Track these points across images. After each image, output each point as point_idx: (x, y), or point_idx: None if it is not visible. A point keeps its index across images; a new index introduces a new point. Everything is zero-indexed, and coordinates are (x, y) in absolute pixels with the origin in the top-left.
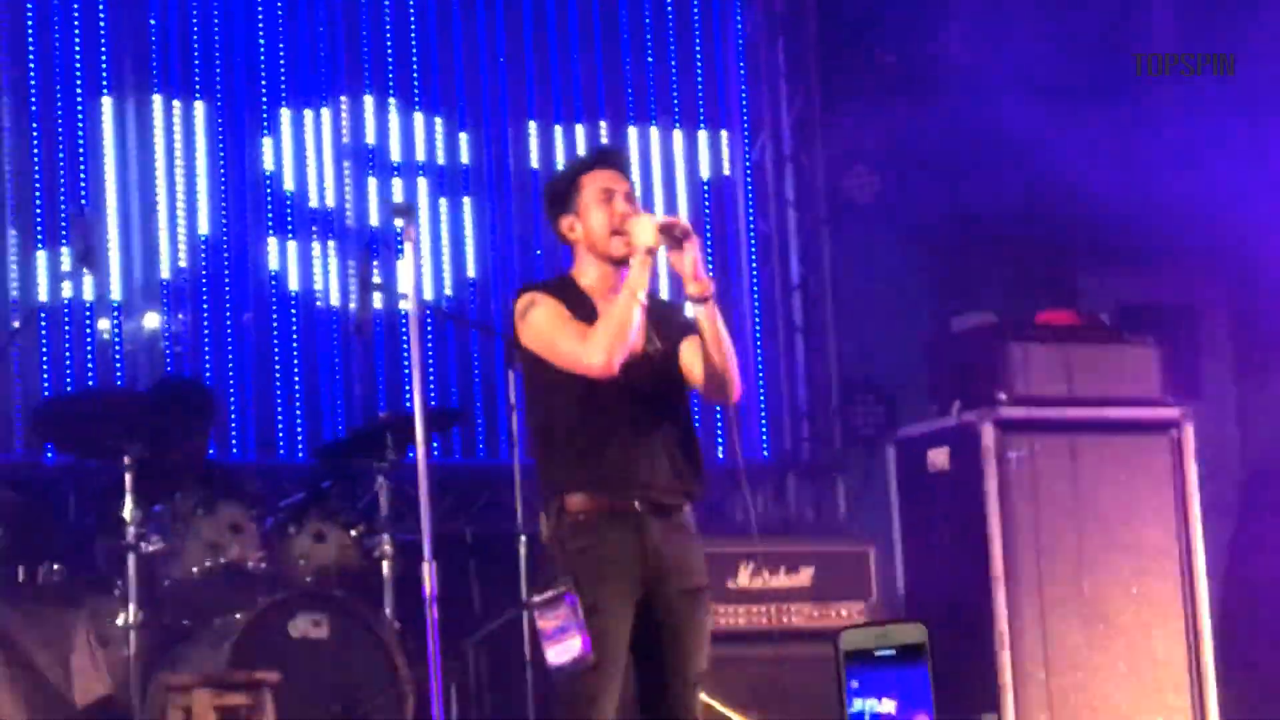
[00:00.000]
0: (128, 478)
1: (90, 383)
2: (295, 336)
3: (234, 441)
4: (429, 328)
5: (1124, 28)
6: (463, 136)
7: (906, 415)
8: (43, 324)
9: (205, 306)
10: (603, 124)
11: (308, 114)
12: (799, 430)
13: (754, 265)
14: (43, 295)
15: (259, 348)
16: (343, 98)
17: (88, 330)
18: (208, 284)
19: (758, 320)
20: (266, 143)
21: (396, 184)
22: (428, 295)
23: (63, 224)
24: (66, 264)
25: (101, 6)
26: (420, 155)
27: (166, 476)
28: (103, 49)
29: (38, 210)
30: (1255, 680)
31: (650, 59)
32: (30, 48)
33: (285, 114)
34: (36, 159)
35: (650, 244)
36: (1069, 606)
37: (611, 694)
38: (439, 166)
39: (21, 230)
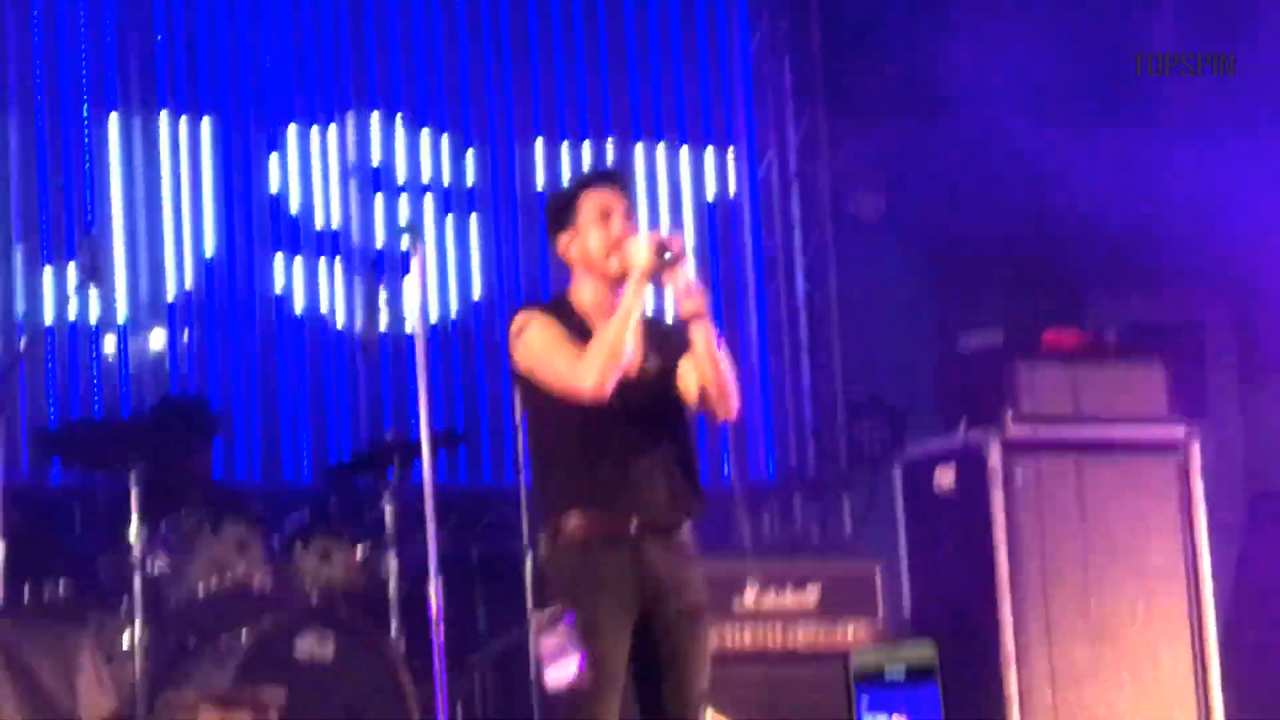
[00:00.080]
0: (134, 497)
1: (96, 401)
2: (301, 356)
3: (240, 461)
4: (435, 347)
5: (1129, 47)
6: (469, 155)
7: (912, 434)
8: (49, 342)
9: (211, 326)
10: (609, 142)
11: (314, 132)
12: (805, 449)
13: (760, 283)
14: (49, 314)
15: (264, 367)
16: (349, 115)
17: (94, 349)
18: (213, 303)
19: (763, 338)
20: (273, 160)
21: (403, 203)
22: (434, 315)
23: (69, 243)
24: (73, 282)
25: (108, 23)
26: (426, 174)
27: (172, 496)
28: (109, 66)
29: (44, 228)
30: (1261, 698)
31: (656, 77)
32: (37, 65)
33: (292, 131)
34: (43, 177)
35: (644, 265)
36: (1075, 624)
37: (611, 716)
38: (445, 185)
39: (28, 249)
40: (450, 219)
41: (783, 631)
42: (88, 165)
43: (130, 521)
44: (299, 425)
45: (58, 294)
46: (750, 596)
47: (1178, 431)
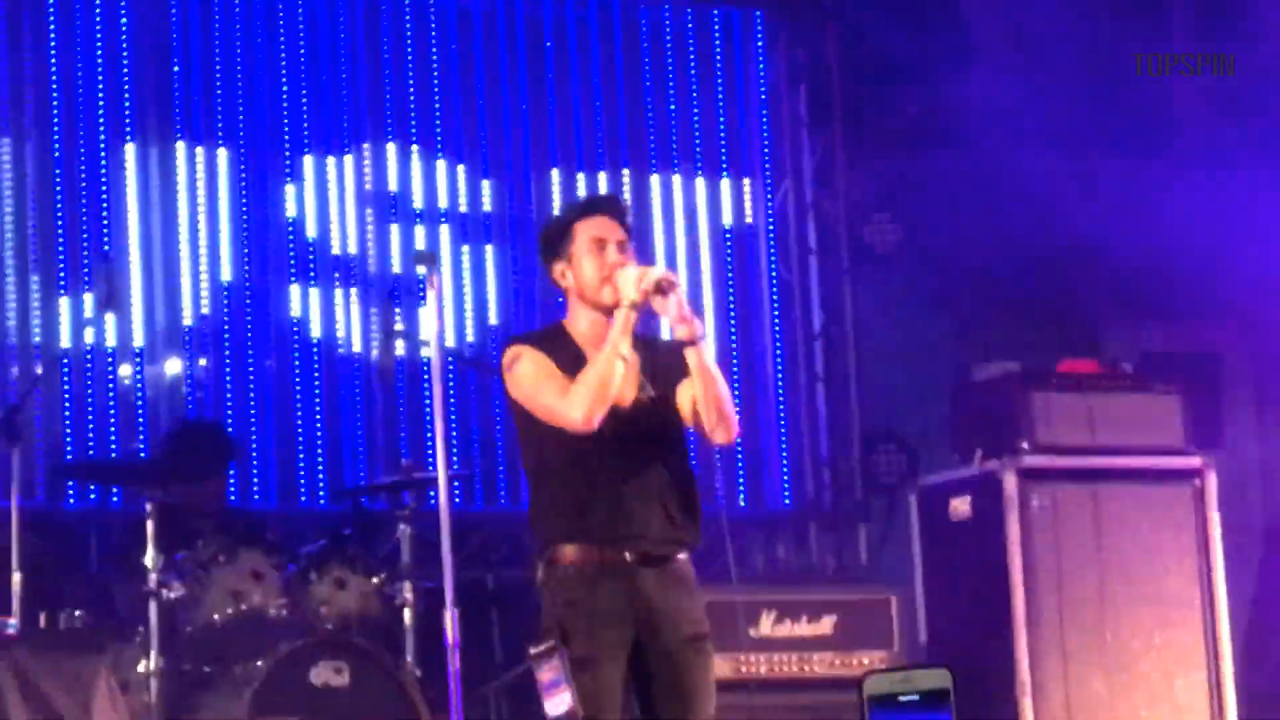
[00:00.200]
0: (149, 524)
1: (112, 428)
2: (317, 383)
3: (255, 488)
4: (451, 375)
5: (1149, 79)
6: (485, 184)
7: (928, 464)
8: (65, 369)
9: (227, 353)
10: (625, 172)
11: (330, 161)
12: (821, 478)
13: (776, 313)
14: (65, 341)
15: (281, 394)
16: (365, 145)
17: (110, 376)
18: (230, 330)
19: (780, 368)
20: (289, 189)
21: (419, 231)
22: (450, 342)
23: (86, 270)
24: (89, 310)
25: (125, 53)
26: (443, 202)
27: (188, 523)
28: (126, 95)
29: (61, 256)
30: None
31: (673, 107)
32: (54, 94)
33: (308, 161)
34: (60, 205)
35: (634, 298)
36: (1091, 655)
37: None
38: (461, 214)
39: (44, 276)
40: (466, 248)
41: (799, 661)
42: (104, 193)
43: (146, 549)
44: (315, 452)
45: (74, 321)
46: (766, 625)
47: (1194, 461)
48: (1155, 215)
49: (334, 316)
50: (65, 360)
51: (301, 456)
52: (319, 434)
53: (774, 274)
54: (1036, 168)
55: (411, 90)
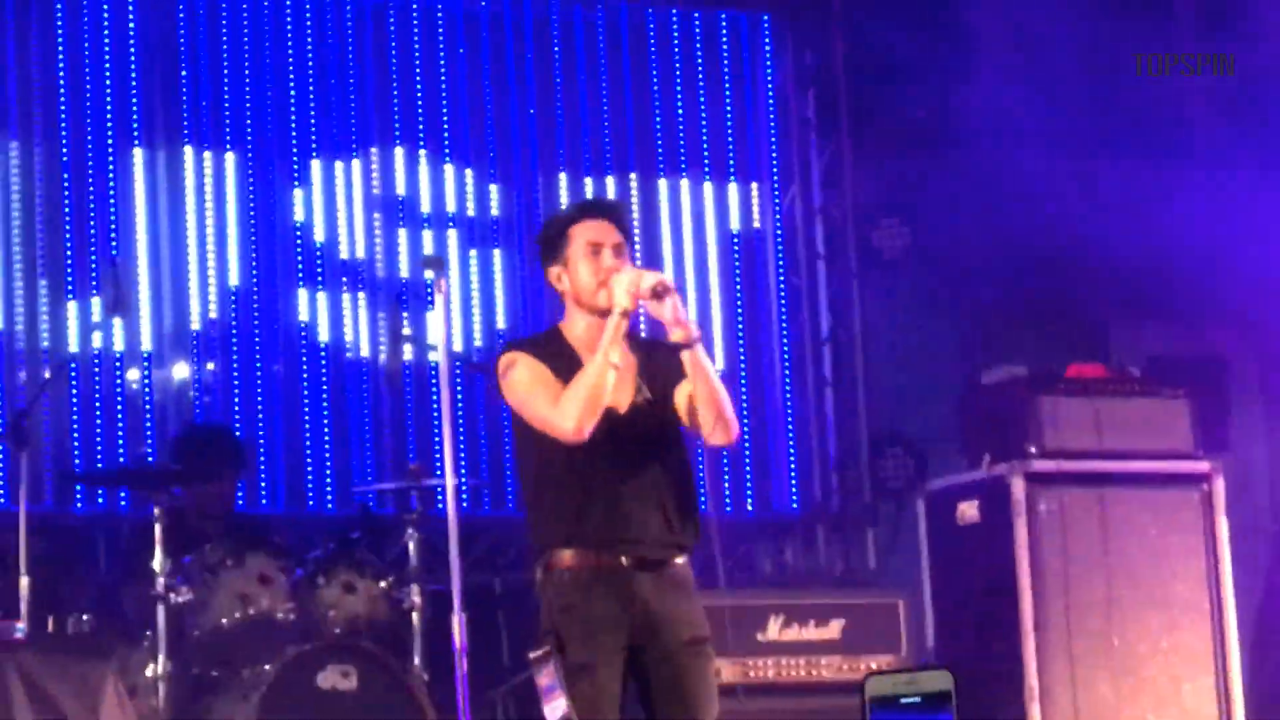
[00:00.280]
0: (157, 528)
1: (120, 432)
2: (325, 387)
3: (263, 492)
4: (458, 379)
5: (1154, 81)
6: (493, 188)
7: (936, 468)
8: (73, 374)
9: (235, 357)
10: (632, 176)
11: (338, 165)
12: (829, 482)
13: (783, 317)
14: (73, 345)
15: (288, 398)
16: (373, 149)
17: (118, 380)
18: (238, 334)
19: (787, 373)
20: (297, 194)
21: (427, 235)
22: (457, 347)
23: (94, 274)
24: (97, 314)
25: (133, 57)
26: (450, 207)
27: (196, 527)
28: (134, 100)
29: (69, 260)
30: None
31: (680, 111)
32: (62, 98)
33: (316, 165)
34: (68, 209)
35: (625, 305)
36: (1099, 659)
37: None
38: (469, 218)
39: (52, 280)
40: (474, 252)
41: (806, 665)
42: (112, 198)
43: (154, 553)
44: (322, 456)
45: (82, 325)
46: (774, 629)
47: (1201, 466)
48: (1161, 218)
49: (342, 321)
50: (73, 364)
51: (309, 461)
52: (327, 438)
53: (781, 278)
54: (1043, 171)
55: (419, 94)
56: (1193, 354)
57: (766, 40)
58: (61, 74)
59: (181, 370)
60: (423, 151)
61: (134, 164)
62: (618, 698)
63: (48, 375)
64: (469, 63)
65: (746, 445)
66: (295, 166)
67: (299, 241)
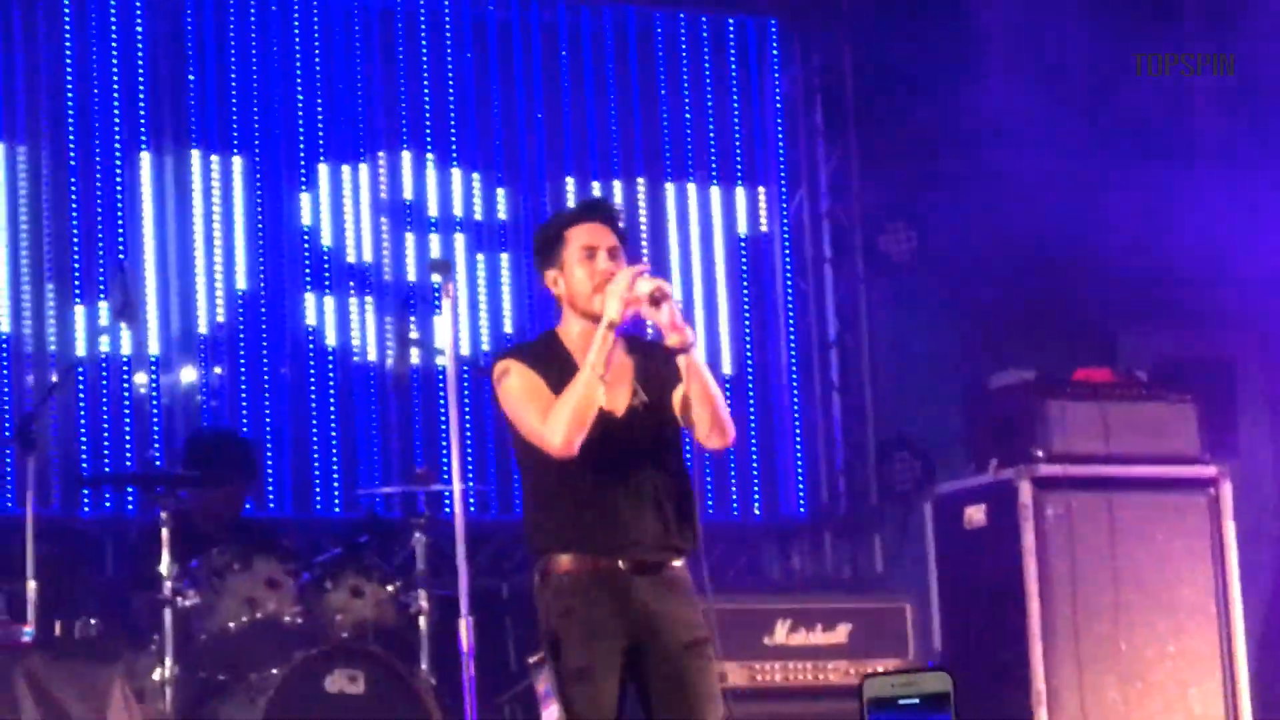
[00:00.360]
0: (164, 532)
1: (128, 437)
2: (332, 391)
3: (271, 496)
4: (466, 383)
5: (1161, 84)
6: (500, 192)
7: (943, 472)
8: (80, 378)
9: (242, 361)
10: (640, 180)
11: (345, 170)
12: (836, 487)
13: (791, 322)
14: (80, 349)
15: (296, 402)
16: (381, 153)
17: (125, 384)
18: (245, 338)
19: (795, 377)
20: (304, 198)
21: (434, 240)
22: (465, 351)
23: (101, 278)
24: (105, 318)
25: (141, 61)
26: (458, 211)
27: (203, 531)
28: (141, 104)
29: (76, 264)
30: None
31: (688, 115)
32: (69, 102)
33: (323, 169)
34: (75, 213)
35: (614, 318)
36: (1106, 664)
37: None
38: (476, 222)
39: (60, 284)
40: (481, 257)
41: (813, 669)
42: (120, 202)
43: (161, 557)
44: (330, 460)
45: (89, 329)
46: (781, 634)
47: (1209, 470)
48: (1169, 222)
49: (349, 325)
50: (80, 369)
51: (316, 465)
52: (334, 442)
53: (789, 283)
54: (1050, 175)
55: (427, 99)
56: (1200, 358)
57: (774, 45)
58: (69, 78)
59: (189, 374)
60: (430, 156)
61: (141, 168)
62: (617, 701)
63: (55, 379)
64: (476, 67)
65: (754, 449)
66: (303, 171)
67: (306, 246)
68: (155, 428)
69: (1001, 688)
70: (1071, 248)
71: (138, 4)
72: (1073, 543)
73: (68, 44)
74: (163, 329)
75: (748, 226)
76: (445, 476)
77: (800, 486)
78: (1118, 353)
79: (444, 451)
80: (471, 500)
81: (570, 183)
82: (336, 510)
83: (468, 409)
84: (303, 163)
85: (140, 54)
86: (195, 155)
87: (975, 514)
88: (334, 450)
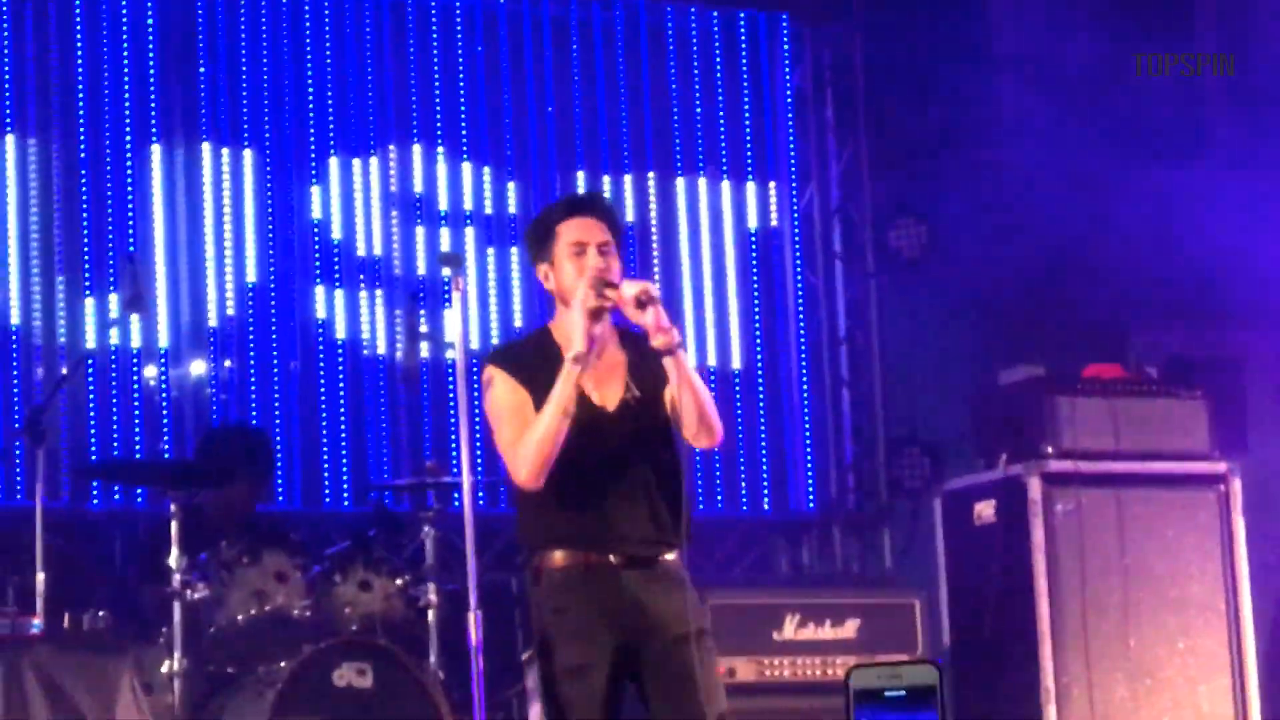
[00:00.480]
0: (173, 525)
1: (137, 429)
2: (342, 385)
3: (280, 489)
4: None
5: (1172, 82)
6: (510, 186)
7: (953, 468)
8: (90, 370)
9: (252, 354)
10: (650, 175)
11: (356, 163)
12: (845, 482)
13: (800, 317)
14: (90, 342)
15: (305, 395)
16: (391, 147)
17: (135, 377)
18: (255, 331)
19: (804, 372)
20: (315, 191)
21: (444, 233)
22: (474, 344)
23: (111, 271)
24: (114, 311)
25: (151, 54)
26: (468, 205)
27: (212, 524)
28: (152, 97)
29: (86, 257)
30: None
31: (698, 110)
32: (80, 94)
33: (334, 162)
34: (85, 206)
35: (579, 349)
36: (1115, 661)
37: None
38: (487, 216)
39: (70, 277)
40: (491, 250)
41: (822, 664)
42: (130, 194)
43: (170, 550)
44: (339, 453)
45: (99, 322)
46: (790, 629)
47: (1219, 467)
48: (1180, 219)
49: (359, 318)
50: (90, 361)
51: (326, 458)
52: (343, 435)
53: (799, 278)
54: (1060, 171)
55: (437, 92)
56: (1211, 355)
57: (785, 39)
58: (80, 71)
59: (198, 367)
60: (440, 149)
61: (152, 161)
62: (610, 699)
63: (65, 372)
64: (487, 61)
65: (763, 444)
66: (313, 164)
67: (316, 239)
68: (165, 420)
69: (1010, 684)
70: (1083, 244)
71: None
72: (1082, 539)
73: (79, 37)
74: (172, 322)
75: (758, 221)
76: (454, 470)
77: (810, 482)
78: (1128, 349)
79: (453, 445)
80: (481, 494)
81: (581, 177)
82: (346, 503)
83: (477, 402)
84: (313, 156)
85: (151, 47)
86: (206, 148)
87: (984, 510)
88: (343, 443)
